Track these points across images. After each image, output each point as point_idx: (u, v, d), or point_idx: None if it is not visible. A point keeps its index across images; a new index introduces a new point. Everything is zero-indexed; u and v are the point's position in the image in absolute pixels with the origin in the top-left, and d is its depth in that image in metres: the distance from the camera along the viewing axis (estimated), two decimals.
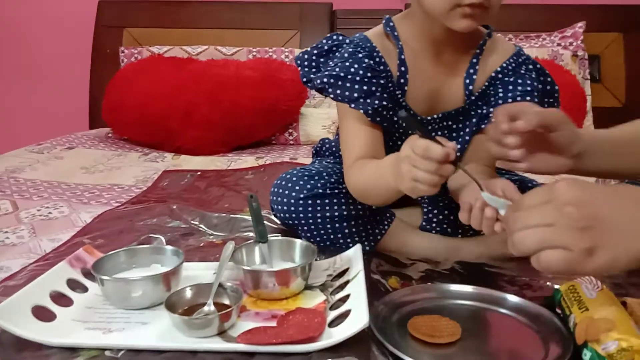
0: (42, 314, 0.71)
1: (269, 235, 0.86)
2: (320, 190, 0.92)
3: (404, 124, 0.91)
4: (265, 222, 0.88)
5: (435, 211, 0.98)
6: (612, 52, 1.99)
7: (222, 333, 0.67)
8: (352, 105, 0.85)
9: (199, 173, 1.43)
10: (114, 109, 1.81)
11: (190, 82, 1.76)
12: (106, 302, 0.76)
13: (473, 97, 0.91)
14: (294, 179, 0.95)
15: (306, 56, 0.95)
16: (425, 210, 0.99)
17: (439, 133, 0.87)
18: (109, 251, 0.88)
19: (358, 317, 0.66)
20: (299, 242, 0.85)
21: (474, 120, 0.93)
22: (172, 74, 1.79)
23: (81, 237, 1.00)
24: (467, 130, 0.94)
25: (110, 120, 1.85)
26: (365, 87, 0.85)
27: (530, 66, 0.93)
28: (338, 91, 0.86)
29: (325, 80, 0.87)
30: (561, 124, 0.73)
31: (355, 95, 0.85)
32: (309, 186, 0.93)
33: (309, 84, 0.95)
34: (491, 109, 0.90)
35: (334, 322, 0.69)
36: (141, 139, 1.79)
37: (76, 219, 1.12)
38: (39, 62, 2.20)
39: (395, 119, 0.90)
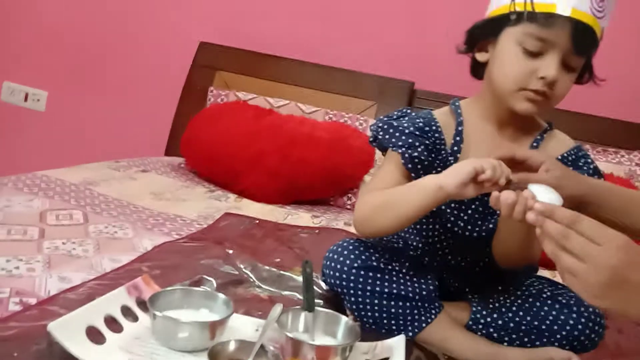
0: (94, 335, 0.75)
1: (315, 304, 0.87)
2: (375, 264, 0.94)
3: None
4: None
5: (484, 312, 0.97)
6: None
7: None
8: (394, 149, 0.94)
9: (257, 222, 1.48)
10: (192, 141, 1.92)
11: (266, 131, 1.84)
12: (152, 336, 0.79)
13: None
14: (350, 247, 0.97)
15: (379, 123, 1.00)
16: (474, 309, 0.98)
17: (490, 208, 0.88)
18: (163, 283, 0.93)
19: None
20: (344, 320, 0.86)
21: None
22: (251, 120, 1.89)
23: (140, 264, 1.05)
24: None
25: (186, 151, 1.96)
26: (410, 140, 0.93)
27: (589, 161, 0.97)
28: (387, 136, 0.95)
29: (379, 125, 0.97)
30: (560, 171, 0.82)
31: (400, 143, 0.94)
32: (363, 257, 0.94)
33: (374, 143, 1.02)
34: None
35: None
36: (210, 175, 1.87)
37: (138, 243, 1.18)
38: (135, 84, 2.37)
39: None
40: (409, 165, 0.94)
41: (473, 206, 0.97)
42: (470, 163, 0.81)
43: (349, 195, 1.91)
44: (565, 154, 0.96)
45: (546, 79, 0.85)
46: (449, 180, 0.82)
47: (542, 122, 1.00)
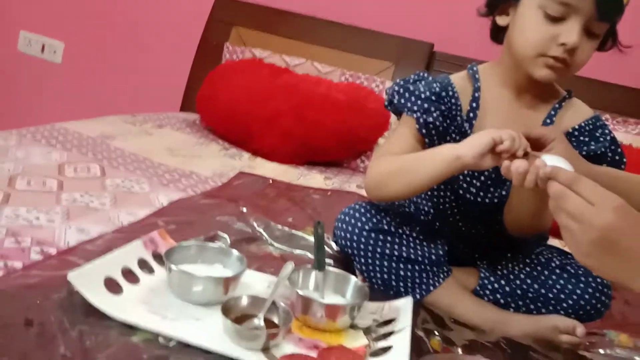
0: (112, 286, 0.78)
1: (326, 264, 0.89)
2: (385, 227, 0.95)
3: None
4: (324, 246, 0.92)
5: (492, 279, 0.98)
6: None
7: (266, 349, 0.71)
8: (409, 113, 0.93)
9: (270, 182, 1.49)
10: (207, 98, 1.92)
11: (282, 91, 1.83)
12: (168, 289, 0.82)
13: None
14: (362, 210, 0.98)
15: (395, 86, 0.99)
16: (482, 275, 1.00)
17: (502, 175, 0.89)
18: (178, 237, 0.95)
19: None
20: (353, 280, 0.88)
21: None
22: (267, 79, 1.87)
23: (156, 218, 1.08)
24: None
25: (201, 108, 1.96)
26: (425, 105, 0.92)
27: (607, 131, 0.96)
28: (402, 100, 0.95)
29: (395, 89, 0.97)
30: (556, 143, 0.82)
31: (415, 108, 0.93)
32: (375, 220, 0.96)
33: (389, 107, 1.01)
34: (582, 147, 0.94)
35: None
36: (224, 132, 1.88)
37: (154, 198, 1.20)
38: (152, 38, 2.35)
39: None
40: (424, 131, 0.93)
41: (486, 173, 0.96)
42: (489, 133, 0.80)
43: (362, 158, 1.91)
44: (583, 124, 0.95)
45: (567, 46, 0.83)
46: (466, 150, 0.81)
47: (561, 90, 0.98)
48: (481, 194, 0.97)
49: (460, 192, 0.98)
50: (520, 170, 0.74)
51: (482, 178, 0.97)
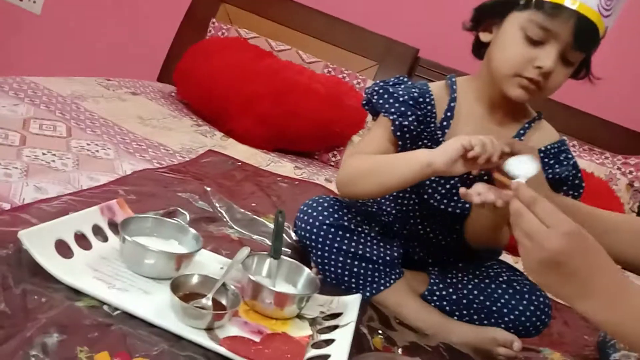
0: (63, 249, 0.77)
1: (282, 253, 0.90)
2: (346, 224, 0.96)
3: None
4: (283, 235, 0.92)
5: (441, 285, 1.01)
6: None
7: (209, 329, 0.72)
8: (385, 114, 0.95)
9: (239, 164, 1.49)
10: (186, 72, 1.89)
11: (263, 75, 1.82)
12: (119, 258, 0.81)
13: None
14: (325, 204, 0.99)
15: (375, 87, 1.00)
16: (432, 281, 1.02)
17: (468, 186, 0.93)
18: (137, 208, 0.94)
19: None
20: (306, 271, 0.89)
21: None
22: (249, 61, 1.86)
23: (117, 187, 1.06)
24: None
25: (179, 81, 1.93)
26: (402, 108, 0.95)
27: (570, 156, 1.00)
28: (381, 101, 0.97)
29: (375, 89, 0.98)
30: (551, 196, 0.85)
31: (392, 110, 0.95)
32: (336, 215, 0.97)
33: (367, 107, 1.03)
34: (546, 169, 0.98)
35: None
36: (199, 109, 1.86)
37: (118, 166, 1.19)
38: (136, 3, 2.30)
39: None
40: (398, 133, 0.95)
41: (452, 181, 0.98)
42: (459, 140, 0.83)
43: (335, 152, 1.92)
44: (549, 146, 0.98)
45: (542, 69, 0.86)
46: (437, 157, 0.84)
47: (532, 111, 1.01)
48: (445, 201, 1.00)
49: (425, 197, 1.00)
50: (479, 199, 0.79)
51: (448, 186, 0.99)
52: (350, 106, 1.85)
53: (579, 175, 0.99)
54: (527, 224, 0.67)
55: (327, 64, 2.01)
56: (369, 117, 1.87)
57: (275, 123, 1.77)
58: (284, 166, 1.66)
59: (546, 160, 0.98)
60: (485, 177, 0.91)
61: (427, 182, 0.99)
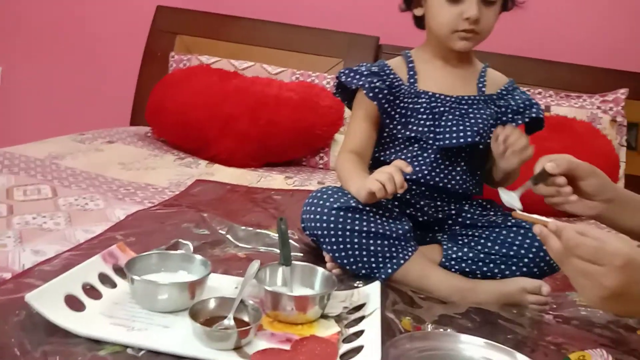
0: (73, 303, 0.75)
1: (292, 258, 0.89)
2: (353, 204, 0.97)
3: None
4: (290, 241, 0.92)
5: (455, 248, 1.02)
6: None
7: (238, 348, 0.70)
8: (355, 85, 1.07)
9: (228, 187, 1.48)
10: (157, 110, 1.88)
11: (233, 95, 1.82)
12: (132, 300, 0.80)
13: (485, 95, 1.09)
14: (329, 192, 1.01)
15: (340, 72, 1.12)
16: (445, 247, 1.03)
17: (456, 113, 1.06)
18: (139, 249, 0.93)
19: (370, 355, 0.69)
20: (321, 271, 0.88)
21: (489, 111, 1.07)
22: (216, 85, 1.86)
23: (113, 233, 1.05)
24: (484, 118, 1.06)
25: (152, 120, 1.92)
26: (369, 78, 1.07)
27: (522, 91, 1.15)
28: (348, 79, 1.09)
29: (341, 71, 1.11)
30: (588, 175, 0.88)
31: (361, 81, 1.07)
32: (342, 200, 0.98)
33: (337, 94, 1.16)
34: (509, 103, 1.10)
35: (346, 356, 0.71)
36: (178, 142, 1.85)
37: (110, 213, 1.17)
38: (93, 54, 2.29)
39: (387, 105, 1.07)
40: (371, 94, 1.04)
41: (434, 156, 1.05)
42: (364, 189, 0.94)
43: (321, 155, 1.92)
44: (507, 85, 1.13)
45: (471, 19, 0.99)
46: (357, 196, 0.97)
47: (478, 61, 1.14)
48: (449, 185, 1.07)
49: (430, 182, 1.07)
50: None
51: (455, 174, 1.08)
52: (325, 106, 1.85)
53: (535, 104, 1.11)
54: (581, 265, 0.68)
55: (293, 71, 2.01)
56: (347, 113, 1.88)
57: (256, 139, 1.77)
58: (275, 179, 1.65)
59: (505, 99, 1.11)
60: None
61: (409, 161, 1.05)
